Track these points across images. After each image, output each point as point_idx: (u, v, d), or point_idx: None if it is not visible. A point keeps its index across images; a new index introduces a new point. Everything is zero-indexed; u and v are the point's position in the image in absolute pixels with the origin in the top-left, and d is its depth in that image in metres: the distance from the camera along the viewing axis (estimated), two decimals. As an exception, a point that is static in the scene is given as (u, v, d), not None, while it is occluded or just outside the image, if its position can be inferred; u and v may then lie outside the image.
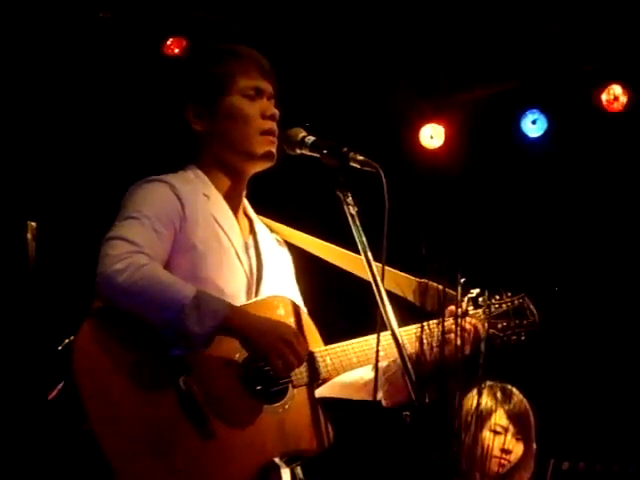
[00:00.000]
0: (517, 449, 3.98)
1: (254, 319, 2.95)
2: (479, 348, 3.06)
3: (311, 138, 3.13)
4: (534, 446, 4.01)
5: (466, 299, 3.27)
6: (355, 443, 3.25)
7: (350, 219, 3.01)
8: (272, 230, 3.34)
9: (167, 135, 3.29)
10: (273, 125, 3.17)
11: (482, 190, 5.83)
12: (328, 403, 3.14)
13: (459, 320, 2.91)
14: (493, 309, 3.39)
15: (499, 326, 3.36)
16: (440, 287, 2.82)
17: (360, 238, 2.99)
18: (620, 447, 4.84)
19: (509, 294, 3.41)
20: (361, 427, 2.93)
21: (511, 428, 3.79)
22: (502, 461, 3.84)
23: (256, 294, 3.13)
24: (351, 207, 3.02)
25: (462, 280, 3.16)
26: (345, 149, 3.05)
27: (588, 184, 5.74)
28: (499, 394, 3.92)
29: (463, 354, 2.88)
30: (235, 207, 3.19)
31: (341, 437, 3.11)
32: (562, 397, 5.29)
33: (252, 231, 3.23)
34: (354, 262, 3.22)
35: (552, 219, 5.75)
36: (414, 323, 2.98)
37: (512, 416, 3.88)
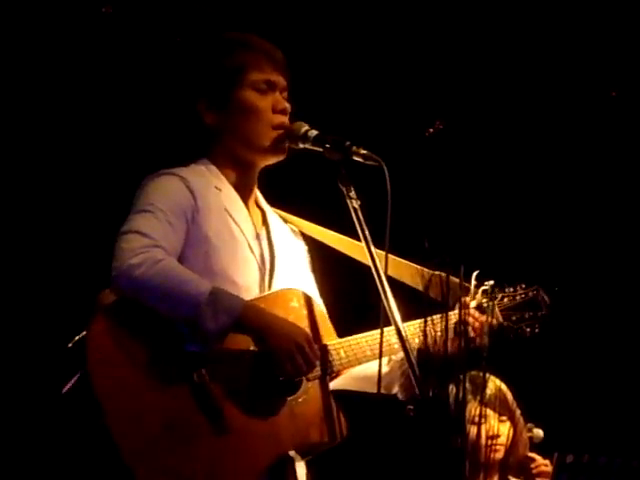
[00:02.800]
0: (504, 429, 3.98)
1: (269, 318, 2.96)
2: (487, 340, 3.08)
3: (314, 132, 3.14)
4: (521, 419, 4.00)
5: (480, 291, 3.29)
6: (362, 437, 3.25)
7: (352, 213, 3.01)
8: (287, 221, 3.35)
9: (180, 128, 3.30)
10: (284, 119, 3.17)
11: (486, 181, 5.80)
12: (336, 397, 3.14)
13: (467, 312, 2.93)
14: (506, 301, 3.40)
15: (513, 318, 3.38)
16: (455, 279, 2.83)
17: (363, 232, 2.99)
18: (624, 440, 4.83)
19: (523, 286, 3.43)
20: (367, 421, 2.94)
21: (491, 413, 3.79)
22: (494, 447, 3.83)
23: (269, 286, 3.14)
24: (354, 201, 3.02)
25: (475, 273, 3.18)
26: (348, 143, 3.06)
27: (600, 174, 5.70)
28: (468, 385, 3.88)
29: (479, 345, 2.91)
30: (247, 198, 3.21)
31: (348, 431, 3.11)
32: (566, 390, 5.29)
33: (265, 222, 3.24)
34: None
35: (560, 208, 5.71)
36: (418, 315, 2.99)
37: (488, 402, 3.84)
